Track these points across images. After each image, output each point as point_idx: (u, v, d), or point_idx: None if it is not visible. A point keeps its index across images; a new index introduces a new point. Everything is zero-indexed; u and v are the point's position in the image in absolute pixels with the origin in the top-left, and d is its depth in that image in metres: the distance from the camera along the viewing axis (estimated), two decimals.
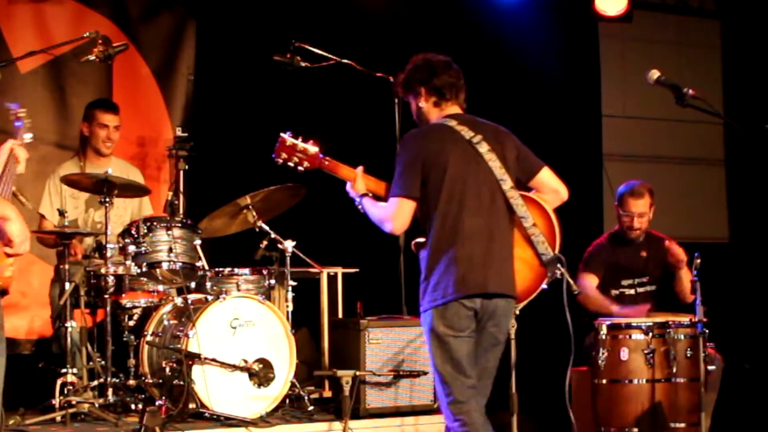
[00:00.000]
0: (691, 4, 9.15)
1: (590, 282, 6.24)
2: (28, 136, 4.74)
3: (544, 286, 4.54)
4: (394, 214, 4.49)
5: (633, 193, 6.23)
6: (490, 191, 4.47)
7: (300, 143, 4.74)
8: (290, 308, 6.05)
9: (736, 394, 6.72)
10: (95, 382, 5.66)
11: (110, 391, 5.58)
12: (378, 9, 7.59)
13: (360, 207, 4.66)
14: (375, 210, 4.58)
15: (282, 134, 4.74)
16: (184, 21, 7.30)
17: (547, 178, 4.64)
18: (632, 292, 6.28)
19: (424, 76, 4.62)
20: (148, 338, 5.77)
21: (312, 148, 4.73)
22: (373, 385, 5.68)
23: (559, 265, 4.46)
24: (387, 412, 5.71)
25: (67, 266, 5.60)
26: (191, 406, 5.44)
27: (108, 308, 5.67)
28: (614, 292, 6.27)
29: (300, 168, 4.75)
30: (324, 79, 6.56)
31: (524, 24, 8.08)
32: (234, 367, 5.53)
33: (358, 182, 4.67)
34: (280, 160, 4.75)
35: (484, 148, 4.48)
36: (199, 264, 5.86)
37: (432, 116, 4.63)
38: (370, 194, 4.65)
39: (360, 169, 4.71)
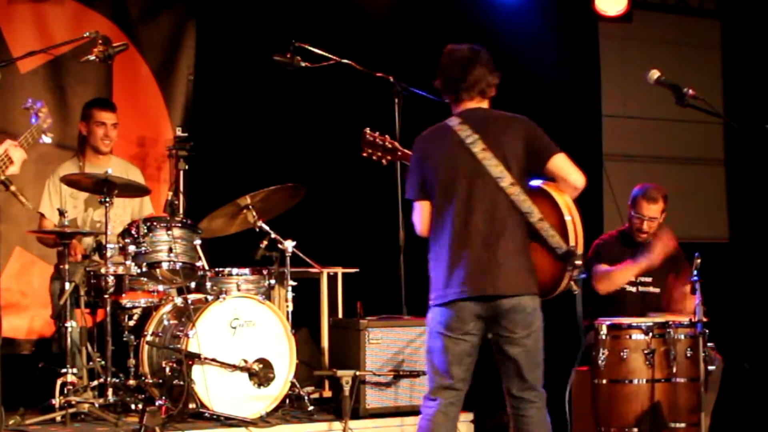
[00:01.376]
0: (691, 4, 9.15)
1: (604, 267, 6.23)
2: (47, 140, 4.80)
3: (575, 277, 4.40)
4: (414, 217, 4.55)
5: (647, 197, 6.16)
6: (485, 191, 4.37)
7: (378, 137, 5.02)
8: (290, 308, 6.05)
9: (736, 394, 6.72)
10: (95, 382, 5.65)
11: (110, 391, 5.58)
12: (378, 9, 7.58)
13: None
14: None
15: (364, 130, 5.02)
16: (184, 21, 7.30)
17: (557, 167, 4.46)
18: (634, 290, 6.26)
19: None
20: (148, 338, 5.77)
21: (390, 142, 5.02)
22: (373, 385, 5.68)
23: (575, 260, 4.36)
24: (387, 412, 5.71)
25: (67, 266, 5.60)
26: (191, 406, 5.44)
27: (108, 308, 5.66)
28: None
29: (383, 162, 5.03)
30: (324, 79, 6.56)
31: (524, 24, 8.07)
32: (234, 367, 5.53)
33: None
34: (366, 155, 5.02)
35: (478, 147, 4.39)
36: (199, 264, 5.85)
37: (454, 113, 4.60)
38: None
39: None
